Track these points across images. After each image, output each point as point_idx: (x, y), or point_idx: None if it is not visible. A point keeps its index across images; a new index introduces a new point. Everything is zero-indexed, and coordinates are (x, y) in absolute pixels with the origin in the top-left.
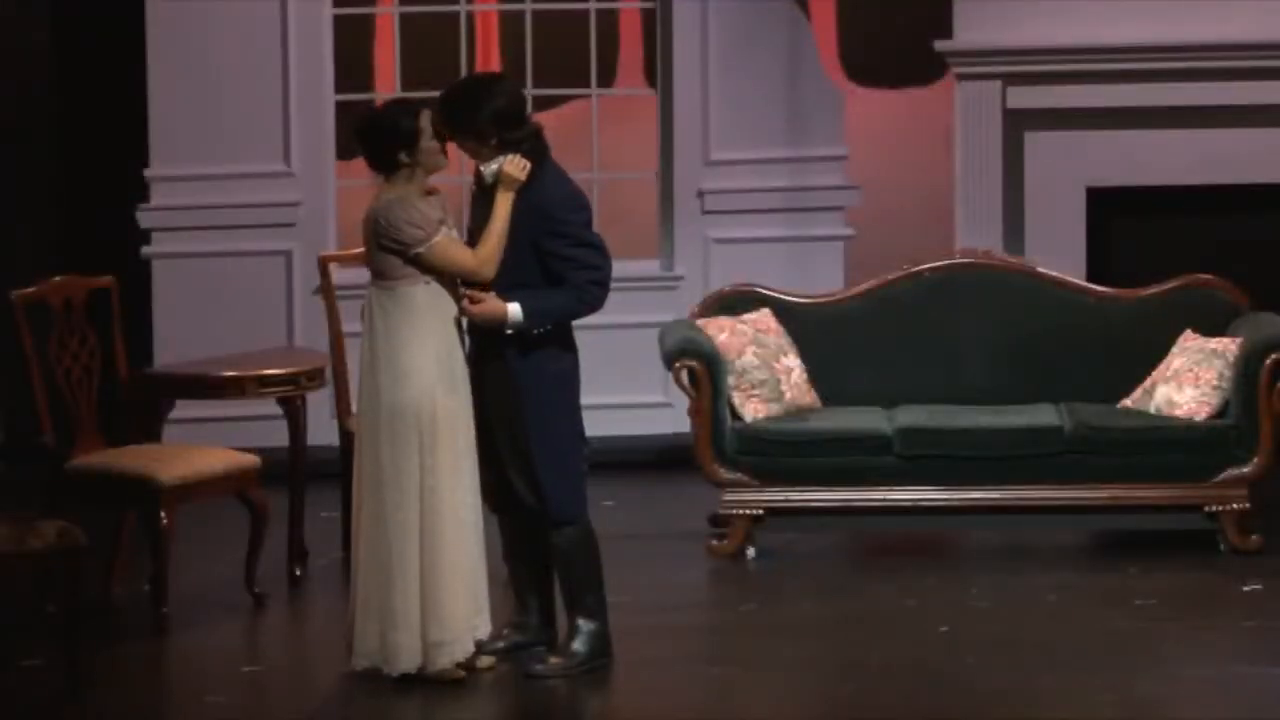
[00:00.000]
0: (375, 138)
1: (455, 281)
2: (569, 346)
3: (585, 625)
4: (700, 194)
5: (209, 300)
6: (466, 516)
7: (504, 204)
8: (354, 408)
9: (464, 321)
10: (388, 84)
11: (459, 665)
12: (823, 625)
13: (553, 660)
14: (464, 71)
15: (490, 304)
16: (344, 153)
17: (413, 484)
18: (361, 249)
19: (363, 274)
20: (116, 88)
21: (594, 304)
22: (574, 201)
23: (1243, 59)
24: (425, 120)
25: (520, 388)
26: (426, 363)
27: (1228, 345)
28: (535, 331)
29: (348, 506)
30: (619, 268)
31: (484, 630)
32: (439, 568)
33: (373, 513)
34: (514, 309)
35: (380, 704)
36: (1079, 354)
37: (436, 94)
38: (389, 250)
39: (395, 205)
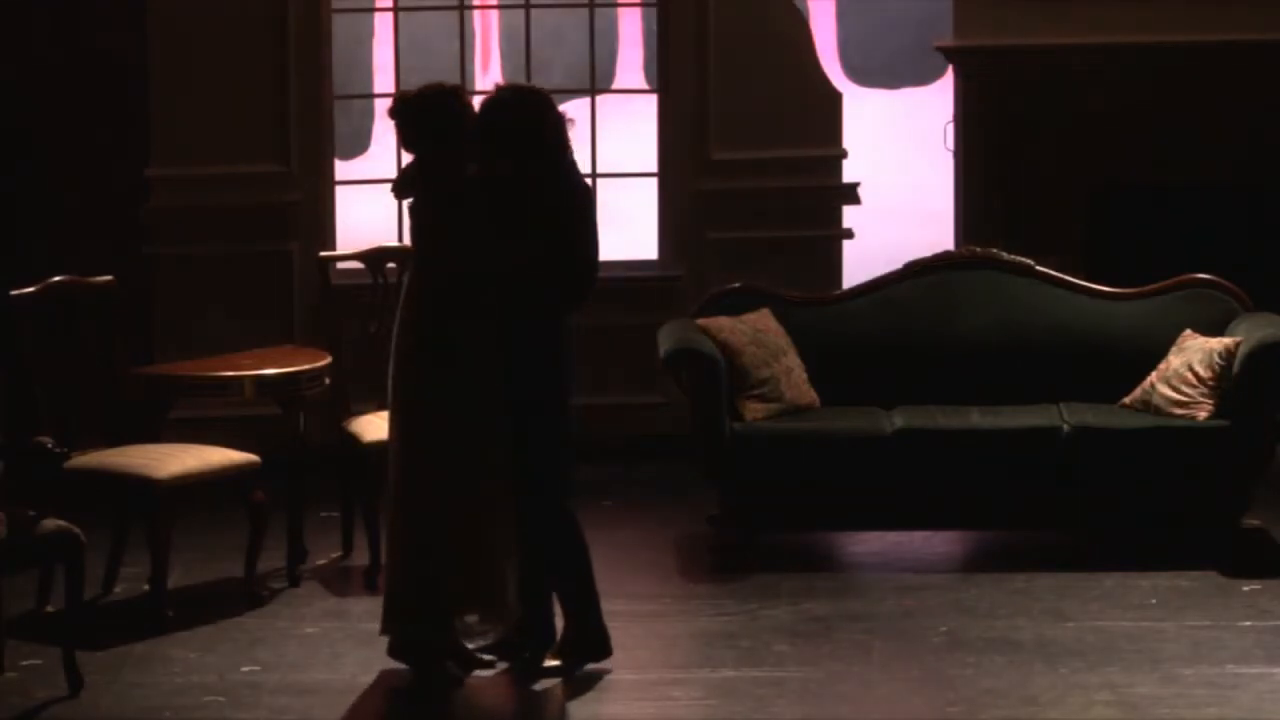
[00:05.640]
0: (419, 119)
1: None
2: (564, 333)
3: (581, 624)
4: (700, 194)
5: (209, 300)
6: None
7: None
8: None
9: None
10: (388, 84)
11: (465, 662)
12: (823, 625)
13: (550, 661)
14: (462, 72)
15: None
16: (344, 152)
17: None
18: (362, 249)
19: (363, 274)
20: (117, 87)
21: (578, 298)
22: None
23: (1243, 59)
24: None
25: (512, 377)
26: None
27: (1228, 345)
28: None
29: (348, 507)
30: (621, 268)
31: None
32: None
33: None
34: None
35: (379, 703)
36: (1079, 354)
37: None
38: None
39: None
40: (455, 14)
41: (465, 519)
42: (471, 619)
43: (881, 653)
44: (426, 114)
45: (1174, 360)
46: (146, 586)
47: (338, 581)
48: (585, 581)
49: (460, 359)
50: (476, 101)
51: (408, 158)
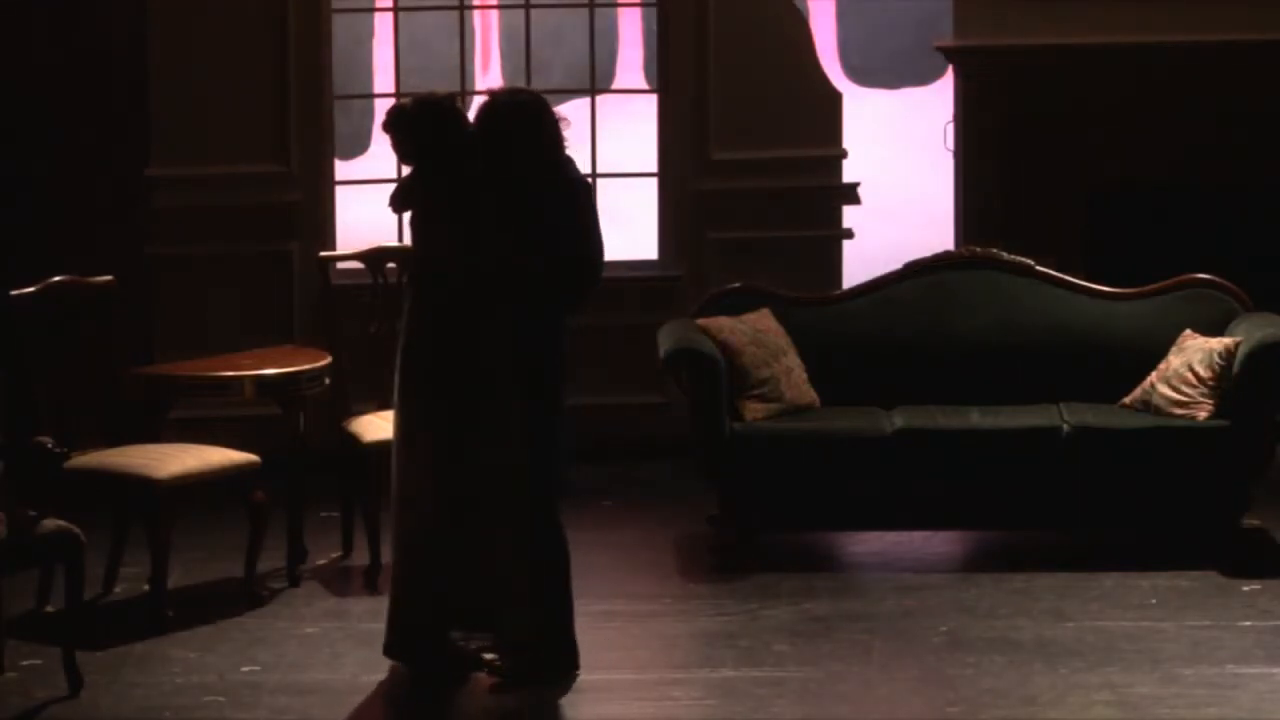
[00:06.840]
0: (416, 130)
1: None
2: (562, 335)
3: (558, 627)
4: (700, 194)
5: (209, 300)
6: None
7: None
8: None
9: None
10: (388, 84)
11: (465, 662)
12: (823, 625)
13: (516, 661)
14: (462, 72)
15: None
16: (344, 152)
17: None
18: (362, 249)
19: (363, 274)
20: (116, 87)
21: (580, 298)
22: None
23: (1243, 58)
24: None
25: (509, 376)
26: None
27: (1227, 345)
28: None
29: (348, 507)
30: (621, 268)
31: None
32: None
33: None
34: None
35: (379, 703)
36: (1079, 354)
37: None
38: None
39: None
40: (455, 14)
41: (472, 530)
42: (484, 637)
43: (881, 653)
44: (423, 125)
45: (1174, 360)
46: (146, 586)
47: (338, 581)
48: (563, 580)
49: (464, 361)
50: (475, 103)
51: (404, 168)
